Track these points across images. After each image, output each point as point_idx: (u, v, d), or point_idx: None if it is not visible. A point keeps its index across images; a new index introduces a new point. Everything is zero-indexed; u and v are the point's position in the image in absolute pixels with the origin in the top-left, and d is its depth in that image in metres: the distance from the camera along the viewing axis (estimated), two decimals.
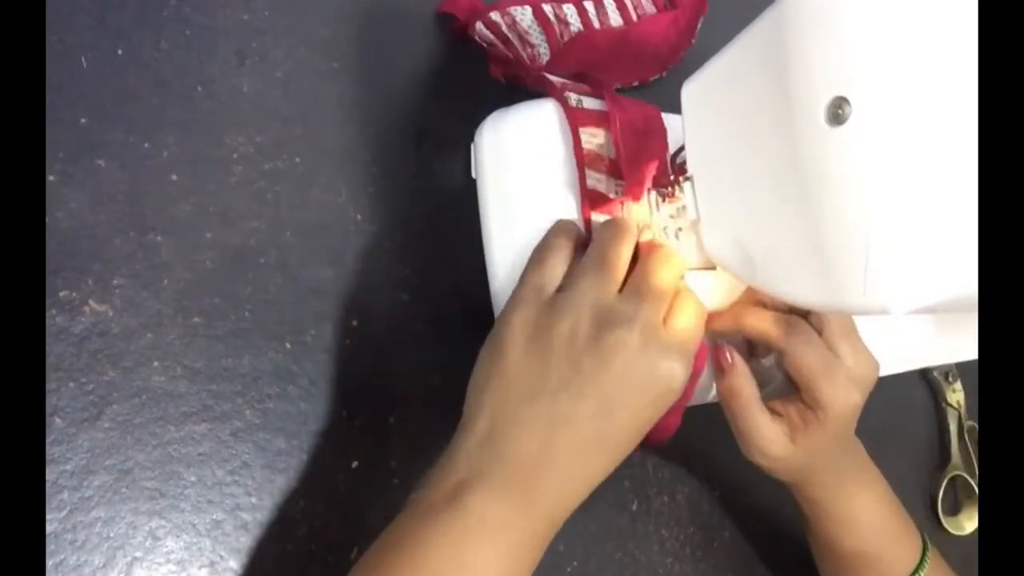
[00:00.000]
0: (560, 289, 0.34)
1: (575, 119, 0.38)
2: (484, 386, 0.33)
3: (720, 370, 0.40)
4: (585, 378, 0.31)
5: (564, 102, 0.39)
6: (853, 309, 0.28)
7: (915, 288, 0.26)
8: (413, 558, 0.30)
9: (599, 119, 0.39)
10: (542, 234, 0.38)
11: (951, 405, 0.68)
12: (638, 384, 0.31)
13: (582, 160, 0.38)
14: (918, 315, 0.48)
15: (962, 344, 0.53)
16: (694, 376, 0.37)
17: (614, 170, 0.39)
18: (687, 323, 0.34)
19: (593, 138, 0.39)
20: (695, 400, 0.42)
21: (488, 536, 0.30)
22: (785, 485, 0.43)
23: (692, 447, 0.53)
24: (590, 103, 0.40)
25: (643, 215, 0.40)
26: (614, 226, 0.36)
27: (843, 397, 0.38)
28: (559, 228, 0.37)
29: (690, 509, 0.52)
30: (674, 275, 0.35)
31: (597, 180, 0.38)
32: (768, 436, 0.39)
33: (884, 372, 0.50)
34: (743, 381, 0.39)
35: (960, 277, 0.25)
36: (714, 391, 0.42)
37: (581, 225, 0.38)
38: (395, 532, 0.32)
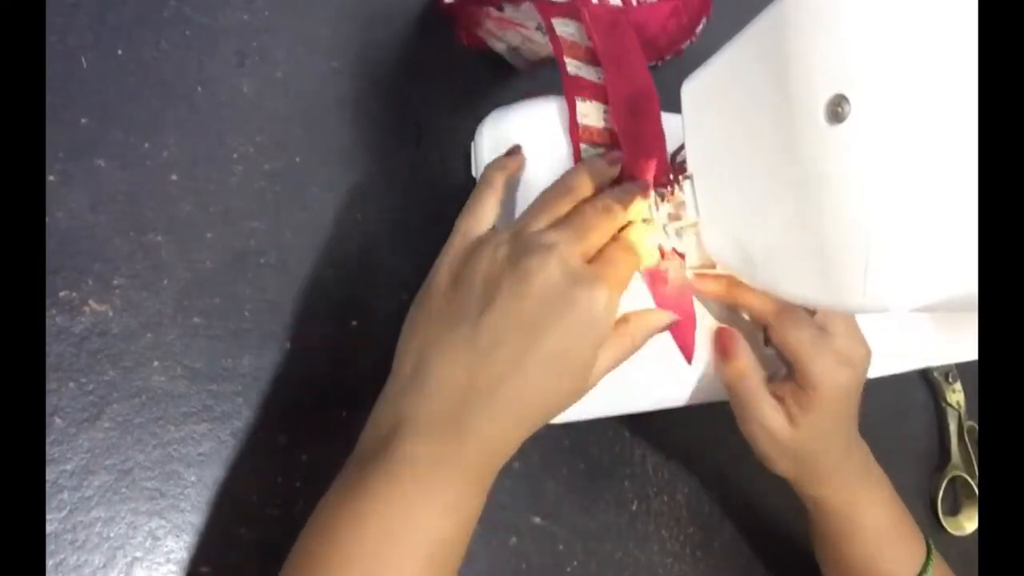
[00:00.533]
0: (488, 233, 0.34)
1: (572, 90, 0.38)
2: (410, 332, 0.33)
3: (726, 354, 0.40)
4: (504, 300, 0.30)
5: (562, 66, 0.38)
6: (853, 308, 0.28)
7: (915, 287, 0.26)
8: (350, 511, 0.30)
9: (596, 91, 0.39)
10: None
11: (951, 405, 0.68)
12: (557, 307, 0.30)
13: (577, 139, 0.38)
14: (918, 315, 0.48)
15: (962, 344, 0.53)
16: (688, 328, 0.37)
17: (611, 140, 0.39)
18: (611, 253, 0.33)
19: (584, 118, 0.39)
20: (700, 399, 0.42)
21: (418, 476, 0.29)
22: (791, 485, 0.43)
23: (692, 447, 0.53)
24: (587, 72, 0.39)
25: (643, 211, 0.40)
26: (568, 175, 0.36)
27: (832, 373, 0.38)
28: (487, 178, 0.37)
29: (690, 509, 0.52)
30: (609, 222, 0.34)
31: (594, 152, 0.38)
32: (772, 418, 0.39)
33: (885, 372, 0.51)
34: (749, 364, 0.39)
35: (960, 276, 0.25)
36: (718, 389, 0.41)
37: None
38: (336, 490, 0.32)
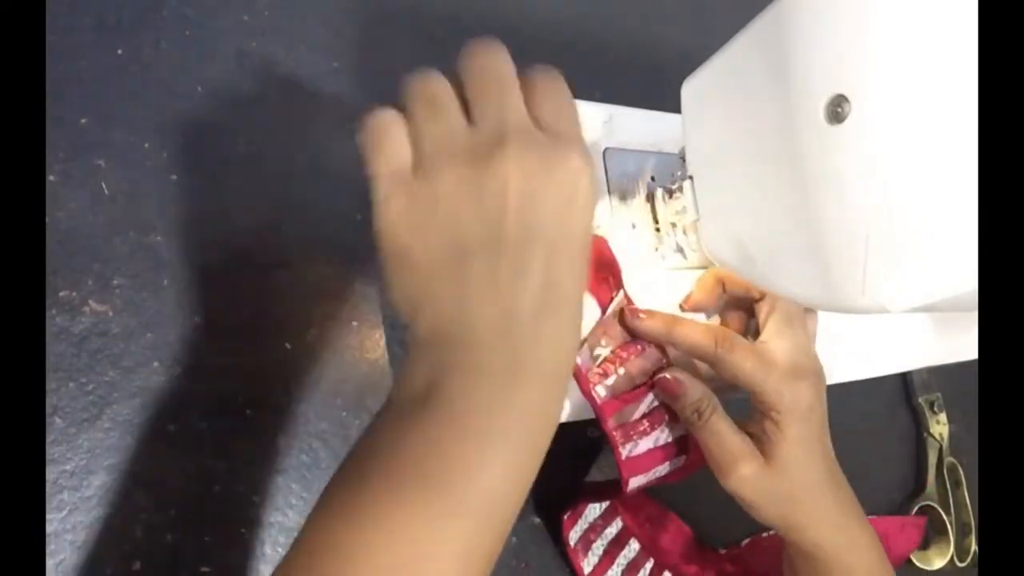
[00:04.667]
0: (415, 162, 0.29)
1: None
2: (406, 294, 0.29)
3: (674, 396, 0.38)
4: (494, 210, 0.27)
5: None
6: (852, 307, 0.28)
7: (914, 287, 0.26)
8: (386, 466, 0.25)
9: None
10: None
11: (933, 436, 0.66)
12: (546, 193, 0.27)
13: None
14: (918, 314, 0.48)
15: (962, 344, 0.53)
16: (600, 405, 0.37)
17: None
18: (552, 112, 0.29)
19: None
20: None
21: (469, 429, 0.25)
22: (782, 535, 0.40)
23: None
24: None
25: (642, 213, 0.40)
26: (422, 75, 0.30)
27: (786, 388, 0.36)
28: (370, 113, 0.30)
29: (690, 509, 0.52)
30: (504, 65, 0.29)
31: None
32: (738, 449, 0.37)
33: (884, 372, 0.51)
34: (699, 395, 0.37)
35: (959, 276, 0.25)
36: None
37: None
38: (367, 442, 0.27)
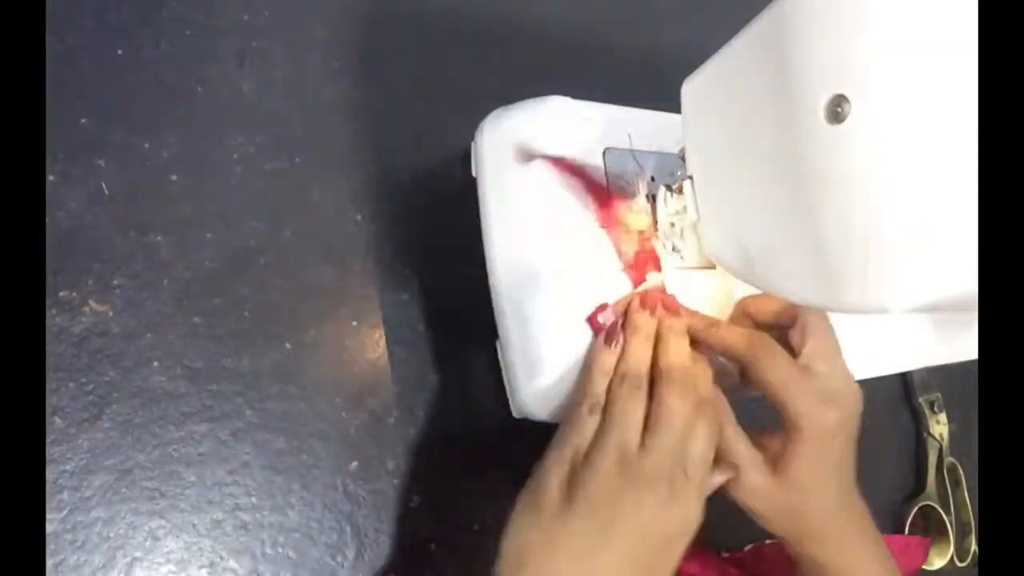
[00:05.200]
0: (592, 444, 0.35)
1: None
2: (525, 542, 0.35)
3: None
4: (612, 534, 0.33)
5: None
6: (852, 308, 0.28)
7: (914, 287, 0.26)
8: None
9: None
10: (541, 233, 0.38)
11: (933, 436, 0.66)
12: (660, 535, 0.34)
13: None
14: (918, 314, 0.48)
15: (962, 344, 0.53)
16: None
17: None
18: (701, 457, 0.35)
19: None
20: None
21: None
22: (789, 547, 0.40)
23: None
24: None
25: (643, 222, 0.40)
26: (625, 376, 0.36)
27: (815, 412, 0.36)
28: (585, 389, 0.37)
29: None
30: (691, 402, 0.35)
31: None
32: (744, 459, 0.37)
33: (884, 371, 0.50)
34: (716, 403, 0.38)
35: (959, 276, 0.25)
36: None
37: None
38: None
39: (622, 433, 0.35)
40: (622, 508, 0.34)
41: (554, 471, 0.35)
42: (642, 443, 0.35)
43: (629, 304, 0.38)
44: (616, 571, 0.33)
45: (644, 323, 0.37)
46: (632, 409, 0.35)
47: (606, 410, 0.36)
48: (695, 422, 0.35)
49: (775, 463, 0.37)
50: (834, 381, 0.37)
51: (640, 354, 0.37)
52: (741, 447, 0.38)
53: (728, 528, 0.49)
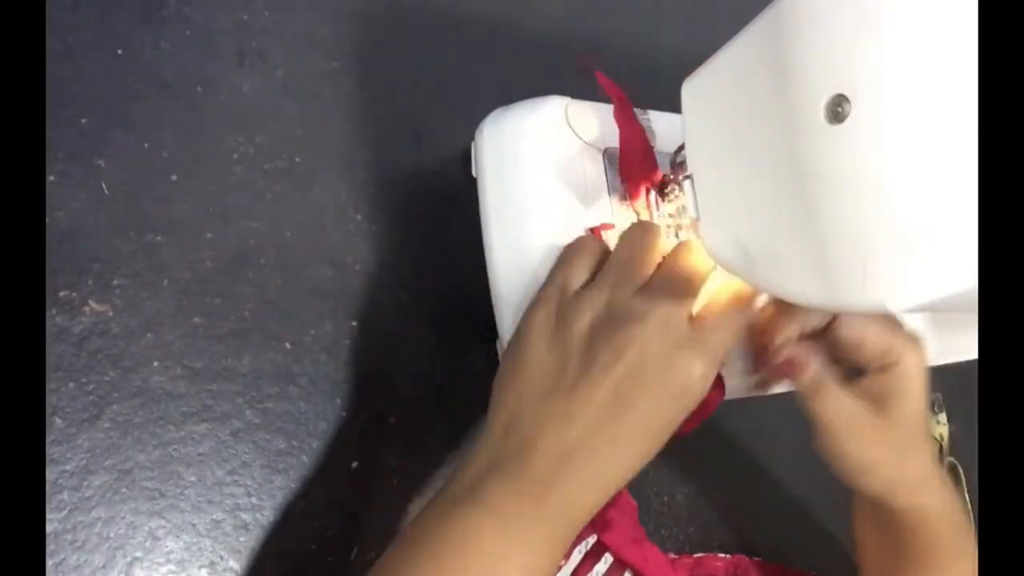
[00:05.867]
0: (586, 286, 0.34)
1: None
2: (505, 384, 0.34)
3: (796, 373, 0.36)
4: (598, 372, 0.31)
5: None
6: (852, 307, 0.28)
7: (914, 286, 0.26)
8: (432, 551, 0.31)
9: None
10: (542, 233, 0.38)
11: (933, 436, 0.66)
12: (653, 379, 0.31)
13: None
14: (918, 314, 0.48)
15: (962, 344, 0.53)
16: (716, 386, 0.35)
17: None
18: (713, 320, 0.33)
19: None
20: (732, 394, 0.40)
21: (504, 528, 0.30)
22: (883, 503, 0.38)
23: (692, 447, 0.53)
24: None
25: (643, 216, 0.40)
26: (639, 227, 0.36)
27: (911, 346, 0.36)
28: (589, 235, 0.37)
29: (690, 509, 0.52)
30: (700, 270, 0.34)
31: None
32: (854, 412, 0.35)
33: None
34: (820, 372, 0.36)
35: (959, 276, 0.25)
36: (749, 385, 0.40)
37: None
38: (417, 527, 0.32)
39: (621, 275, 0.33)
40: (610, 346, 0.31)
41: (539, 309, 0.33)
42: (643, 288, 0.33)
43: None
44: (601, 412, 0.31)
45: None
46: (642, 258, 0.34)
47: (609, 258, 0.34)
48: (721, 311, 0.33)
49: (874, 406, 0.36)
50: (888, 339, 0.36)
51: (653, 226, 0.36)
52: (851, 402, 0.35)
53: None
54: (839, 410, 0.36)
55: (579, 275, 0.34)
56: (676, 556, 0.51)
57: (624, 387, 0.31)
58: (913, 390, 0.36)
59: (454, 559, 0.30)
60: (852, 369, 0.37)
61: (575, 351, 0.32)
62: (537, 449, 0.31)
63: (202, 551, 0.37)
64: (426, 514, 0.32)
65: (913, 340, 0.36)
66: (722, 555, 0.51)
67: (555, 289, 0.34)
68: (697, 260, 0.34)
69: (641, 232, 0.35)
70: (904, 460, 0.37)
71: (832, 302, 0.29)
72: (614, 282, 0.33)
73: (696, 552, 0.52)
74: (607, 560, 0.42)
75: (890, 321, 0.37)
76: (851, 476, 0.37)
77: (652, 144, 0.41)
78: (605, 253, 0.36)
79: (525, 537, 0.31)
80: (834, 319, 0.37)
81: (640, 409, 0.31)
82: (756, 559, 0.52)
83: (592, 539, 0.44)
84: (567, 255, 0.35)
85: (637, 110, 0.41)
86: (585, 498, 0.32)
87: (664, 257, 0.35)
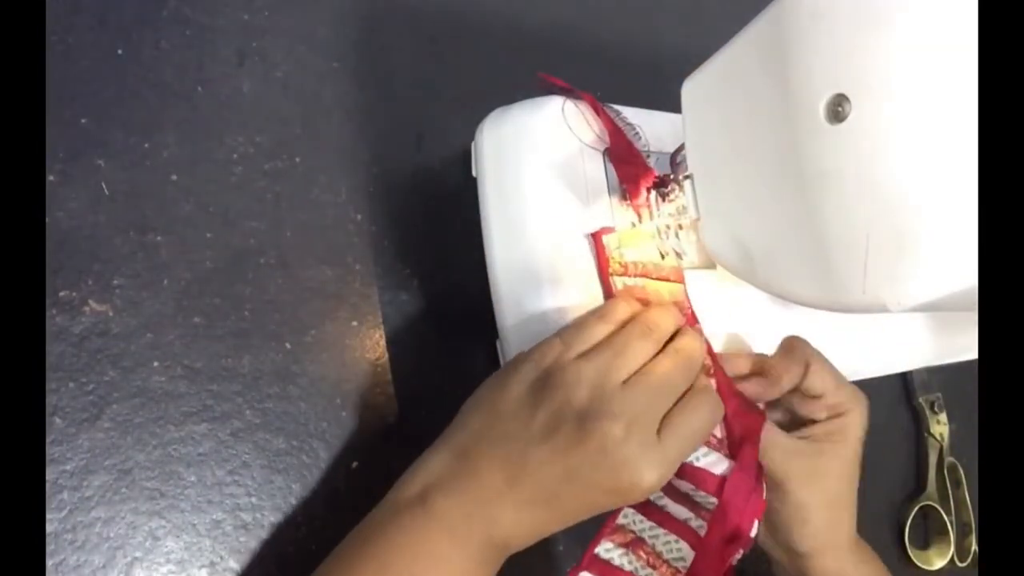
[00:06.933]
0: (583, 355, 0.34)
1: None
2: (476, 408, 0.35)
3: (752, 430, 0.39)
4: (558, 445, 0.32)
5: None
6: (852, 307, 0.28)
7: (914, 286, 0.26)
8: (376, 553, 0.32)
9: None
10: (542, 233, 0.38)
11: (933, 436, 0.66)
12: (605, 473, 0.32)
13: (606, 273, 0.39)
14: (918, 314, 0.48)
15: (962, 344, 0.53)
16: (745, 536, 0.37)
17: (641, 272, 0.40)
18: (684, 432, 0.34)
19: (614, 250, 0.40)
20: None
21: (448, 536, 0.32)
22: (811, 561, 0.40)
23: None
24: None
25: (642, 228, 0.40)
26: (645, 321, 0.36)
27: (859, 406, 0.40)
28: (613, 305, 0.37)
29: None
30: (688, 376, 0.35)
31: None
32: (793, 449, 0.39)
33: (884, 371, 0.50)
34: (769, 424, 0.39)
35: (959, 275, 0.25)
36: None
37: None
38: (364, 528, 0.34)
39: (616, 360, 0.34)
40: (578, 429, 0.32)
41: (536, 357, 0.34)
42: (626, 383, 0.34)
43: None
44: (547, 478, 0.32)
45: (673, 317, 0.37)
46: (637, 347, 0.35)
47: (610, 338, 0.35)
48: (699, 393, 0.35)
49: (817, 443, 0.39)
50: (844, 392, 0.40)
51: (669, 319, 0.37)
52: (789, 441, 0.39)
53: None
54: (781, 446, 0.38)
55: (584, 341, 0.35)
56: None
57: (576, 469, 0.32)
58: (852, 437, 0.40)
59: (396, 559, 0.32)
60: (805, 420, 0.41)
61: (547, 414, 0.33)
62: (486, 481, 0.33)
63: (202, 551, 0.37)
64: (375, 515, 0.34)
65: (861, 398, 0.40)
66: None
67: (558, 345, 0.35)
68: (692, 359, 0.35)
69: (642, 327, 0.36)
70: (835, 513, 0.40)
71: (832, 302, 0.29)
72: (603, 364, 0.34)
73: None
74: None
75: (844, 380, 0.40)
76: (788, 528, 0.40)
77: (636, 139, 0.41)
78: (624, 324, 0.36)
79: (467, 545, 0.32)
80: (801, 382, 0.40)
81: (583, 491, 0.33)
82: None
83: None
84: (585, 318, 0.36)
85: (612, 107, 0.41)
86: (522, 535, 0.33)
87: (666, 345, 0.36)
